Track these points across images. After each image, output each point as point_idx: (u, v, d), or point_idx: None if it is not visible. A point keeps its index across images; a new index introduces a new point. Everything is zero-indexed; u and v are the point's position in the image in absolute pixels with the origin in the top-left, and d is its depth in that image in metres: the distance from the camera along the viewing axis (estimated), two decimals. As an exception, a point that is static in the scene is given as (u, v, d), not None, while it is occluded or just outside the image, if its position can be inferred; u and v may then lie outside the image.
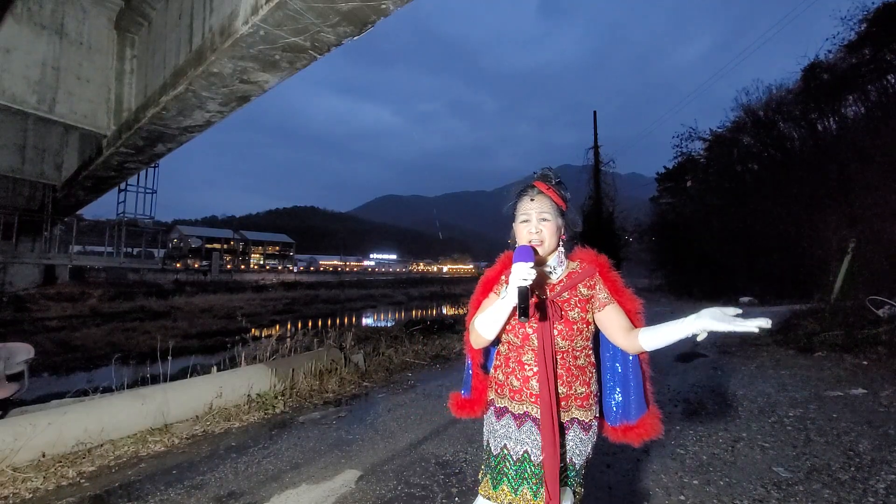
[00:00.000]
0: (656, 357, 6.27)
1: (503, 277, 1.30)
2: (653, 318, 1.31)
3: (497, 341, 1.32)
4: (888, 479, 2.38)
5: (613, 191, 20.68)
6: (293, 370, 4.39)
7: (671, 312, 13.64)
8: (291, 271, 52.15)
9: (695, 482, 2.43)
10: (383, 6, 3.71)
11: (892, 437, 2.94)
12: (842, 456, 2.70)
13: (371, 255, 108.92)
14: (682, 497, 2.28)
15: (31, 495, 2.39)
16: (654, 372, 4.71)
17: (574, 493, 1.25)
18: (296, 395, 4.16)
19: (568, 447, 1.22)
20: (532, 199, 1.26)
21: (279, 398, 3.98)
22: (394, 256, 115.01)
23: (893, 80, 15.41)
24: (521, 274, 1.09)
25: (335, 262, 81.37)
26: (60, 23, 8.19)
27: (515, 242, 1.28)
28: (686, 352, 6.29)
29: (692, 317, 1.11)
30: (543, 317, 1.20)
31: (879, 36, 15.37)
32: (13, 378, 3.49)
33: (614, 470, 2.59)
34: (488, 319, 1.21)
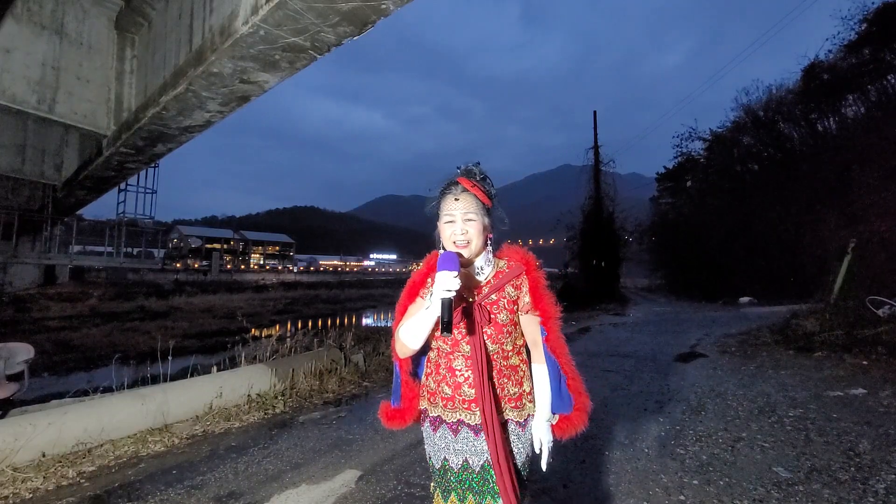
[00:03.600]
0: (656, 357, 6.26)
1: (429, 280, 1.25)
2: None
3: (427, 348, 1.28)
4: (888, 479, 2.38)
5: (613, 191, 20.66)
6: (293, 370, 4.39)
7: (671, 312, 13.64)
8: (291, 271, 52.14)
9: (695, 482, 2.43)
10: (383, 6, 3.71)
11: (892, 437, 2.94)
12: (842, 456, 2.70)
13: (371, 255, 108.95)
14: (682, 497, 2.28)
15: (31, 495, 2.39)
16: (653, 372, 4.71)
17: (521, 492, 1.21)
18: (296, 395, 4.16)
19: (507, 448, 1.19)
20: (456, 199, 1.20)
21: (279, 398, 3.98)
22: (394, 256, 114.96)
23: (893, 80, 15.42)
24: (445, 284, 1.03)
25: (335, 262, 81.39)
26: (60, 23, 8.19)
27: (441, 242, 1.24)
28: (686, 352, 6.29)
29: (541, 423, 1.22)
30: (471, 326, 1.17)
31: (879, 36, 15.38)
32: (13, 378, 3.49)
33: (614, 470, 2.59)
34: (413, 329, 1.16)
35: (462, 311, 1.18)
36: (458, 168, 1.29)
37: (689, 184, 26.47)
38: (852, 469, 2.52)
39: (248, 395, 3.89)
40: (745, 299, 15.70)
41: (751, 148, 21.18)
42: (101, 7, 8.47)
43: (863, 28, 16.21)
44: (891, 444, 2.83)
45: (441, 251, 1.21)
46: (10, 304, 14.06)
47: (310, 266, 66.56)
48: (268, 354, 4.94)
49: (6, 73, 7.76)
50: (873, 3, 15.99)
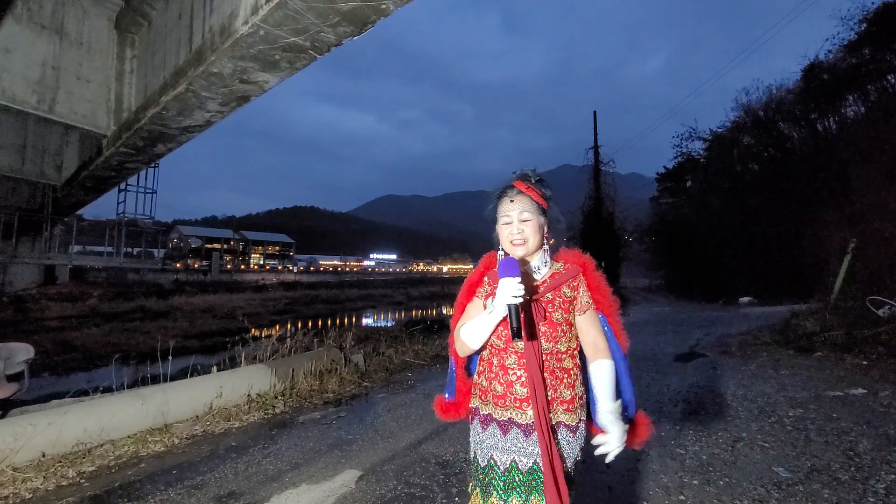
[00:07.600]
0: (656, 357, 6.26)
1: (486, 279, 1.30)
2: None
3: (482, 346, 1.31)
4: (888, 479, 2.38)
5: (613, 191, 20.65)
6: (293, 370, 4.39)
7: (671, 312, 13.64)
8: (291, 271, 52.11)
9: (695, 482, 2.43)
10: (383, 6, 3.71)
11: (892, 437, 2.94)
12: (842, 456, 2.70)
13: (371, 255, 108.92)
14: (682, 497, 2.28)
15: (31, 495, 2.39)
16: (654, 372, 4.71)
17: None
18: (296, 395, 4.16)
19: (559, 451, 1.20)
20: (512, 200, 1.25)
21: (279, 398, 3.98)
22: (394, 256, 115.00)
23: (893, 80, 15.41)
24: (511, 290, 1.07)
25: (335, 262, 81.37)
26: (60, 23, 8.19)
27: (499, 243, 1.29)
28: (686, 352, 6.29)
29: (605, 414, 1.17)
30: (527, 323, 1.19)
31: (879, 36, 15.37)
32: (13, 378, 3.49)
33: (614, 470, 2.59)
34: (474, 331, 1.20)
35: (522, 314, 1.19)
36: (513, 173, 1.33)
37: (689, 184, 26.46)
38: (852, 469, 2.52)
39: (248, 396, 3.89)
40: (745, 299, 15.70)
41: (751, 148, 21.17)
42: (101, 7, 8.47)
43: (863, 28, 16.19)
44: (891, 444, 2.83)
45: (500, 254, 1.27)
46: (10, 304, 14.06)
47: (310, 266, 66.53)
48: (268, 354, 4.94)
49: (6, 73, 7.76)
50: (873, 3, 15.99)
